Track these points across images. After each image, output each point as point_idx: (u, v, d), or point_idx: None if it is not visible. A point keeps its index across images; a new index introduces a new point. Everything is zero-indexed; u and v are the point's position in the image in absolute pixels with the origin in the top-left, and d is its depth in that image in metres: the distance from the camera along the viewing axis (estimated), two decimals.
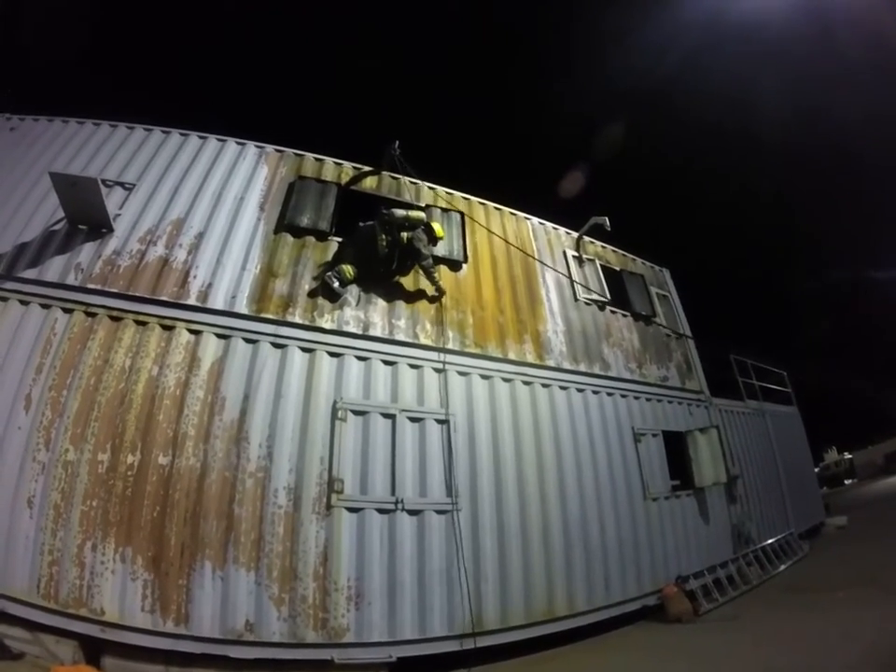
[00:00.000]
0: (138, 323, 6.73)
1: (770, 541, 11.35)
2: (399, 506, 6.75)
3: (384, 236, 8.00)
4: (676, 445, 10.64)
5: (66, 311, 6.63)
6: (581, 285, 10.98)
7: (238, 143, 8.94)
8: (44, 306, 6.61)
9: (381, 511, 6.66)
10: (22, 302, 6.58)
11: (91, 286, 6.86)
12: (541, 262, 10.51)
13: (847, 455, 43.09)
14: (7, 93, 9.24)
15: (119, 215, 7.58)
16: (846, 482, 39.10)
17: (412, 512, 6.82)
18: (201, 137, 8.83)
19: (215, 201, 8.11)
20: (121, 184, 7.95)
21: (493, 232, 10.07)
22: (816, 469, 25.54)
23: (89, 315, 6.65)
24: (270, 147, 9.09)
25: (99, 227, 7.33)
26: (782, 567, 10.75)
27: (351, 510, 6.51)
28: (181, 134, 8.80)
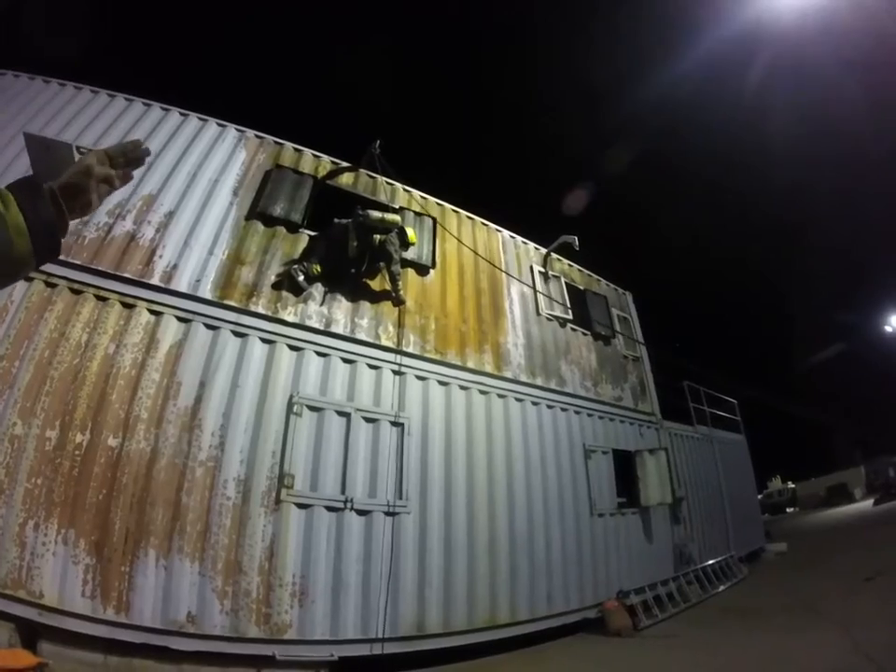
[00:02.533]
0: (98, 298, 6.57)
1: (711, 562, 11.67)
2: (349, 505, 6.76)
3: (355, 238, 7.99)
4: (625, 464, 10.86)
5: (25, 279, 6.34)
6: (546, 296, 11.11)
7: (219, 124, 8.79)
8: None
9: (330, 508, 6.67)
10: None
11: None
12: (508, 274, 10.61)
13: (791, 485, 44.23)
14: None
15: None
16: (788, 510, 40.20)
17: (360, 512, 6.85)
18: (182, 114, 8.65)
19: (189, 180, 7.96)
20: None
21: (463, 243, 10.11)
22: (759, 496, 26.14)
23: (49, 285, 6.41)
24: (250, 132, 8.98)
25: None
26: (721, 588, 11.07)
27: (300, 506, 6.50)
28: (162, 108, 8.60)
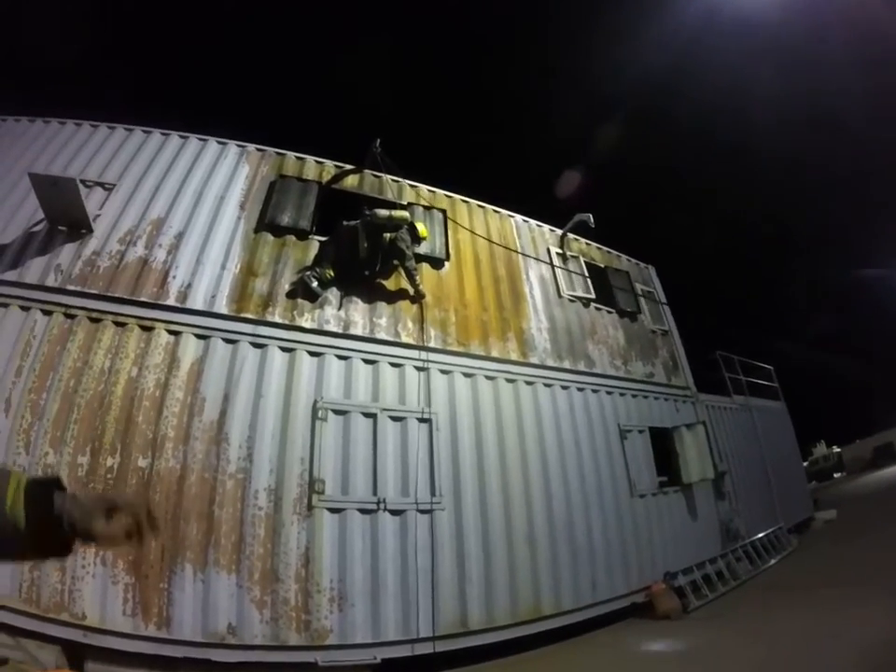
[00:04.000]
0: (117, 324, 6.67)
1: (759, 536, 11.38)
2: (381, 506, 6.72)
3: (365, 239, 7.97)
4: (662, 442, 10.67)
5: (46, 313, 6.54)
6: (567, 274, 11.04)
7: (219, 142, 8.89)
8: (23, 308, 6.52)
9: (363, 511, 6.63)
10: (2, 305, 6.49)
11: (70, 287, 6.79)
12: (524, 255, 10.55)
13: (836, 450, 43.25)
14: None
15: (99, 215, 7.52)
16: (834, 475, 39.26)
17: (394, 512, 6.80)
18: (182, 137, 8.78)
19: (195, 200, 8.07)
20: (101, 184, 7.89)
21: (475, 233, 10.07)
22: (804, 464, 25.63)
23: (68, 316, 6.57)
24: (251, 147, 9.05)
25: (79, 227, 7.26)
26: (772, 562, 10.79)
27: (332, 510, 6.48)
28: (162, 134, 8.75)
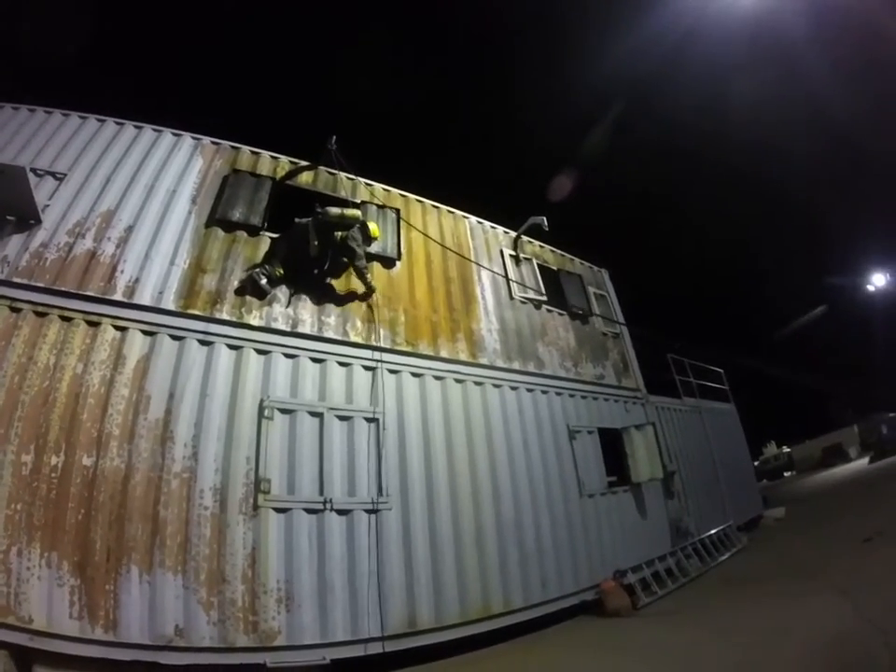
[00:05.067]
0: (63, 319, 6.55)
1: (708, 534, 11.71)
2: (328, 506, 6.75)
3: (316, 237, 7.96)
4: (612, 442, 10.89)
5: None
6: (518, 283, 11.14)
7: (174, 134, 8.76)
8: None
9: (309, 510, 6.66)
10: None
11: (16, 279, 6.61)
12: (477, 264, 10.64)
13: (786, 450, 44.42)
14: None
15: (49, 206, 7.35)
16: (784, 474, 40.37)
17: (340, 512, 6.84)
18: (136, 127, 8.63)
19: (146, 193, 7.96)
20: (52, 173, 7.71)
21: (428, 236, 10.11)
22: (755, 463, 26.23)
23: (13, 310, 6.39)
24: (206, 140, 8.95)
25: (27, 218, 7.10)
26: (721, 559, 11.11)
27: (278, 510, 6.50)
28: (116, 123, 8.58)
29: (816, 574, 7.83)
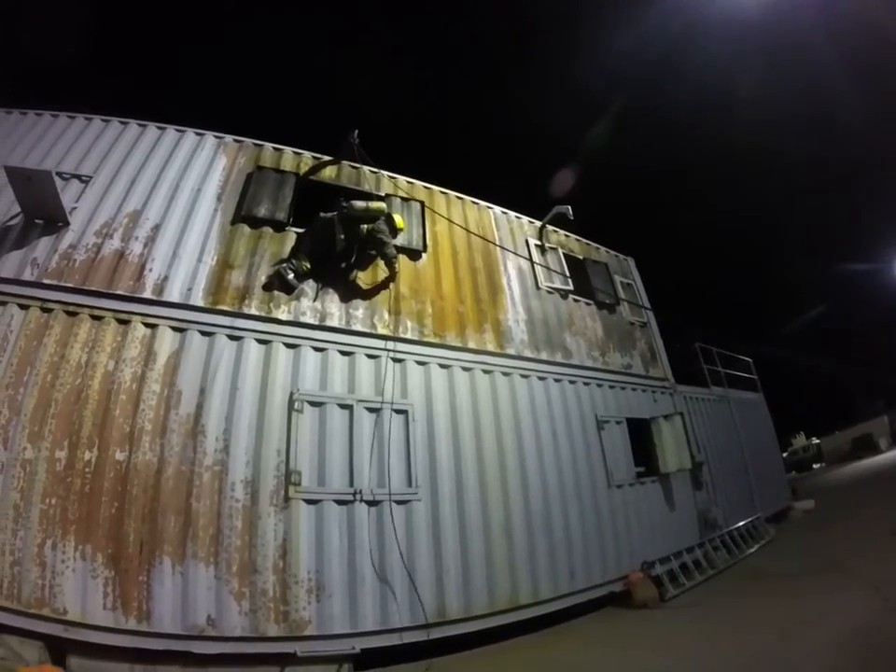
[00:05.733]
0: (94, 318, 6.65)
1: (737, 526, 11.56)
2: (358, 497, 6.76)
3: (342, 231, 7.98)
4: (640, 432, 10.78)
5: (22, 307, 6.50)
6: (544, 267, 11.10)
7: (197, 133, 8.84)
8: (0, 303, 6.52)
9: (339, 502, 6.68)
10: None
11: (46, 281, 6.74)
12: (502, 248, 10.60)
13: (815, 441, 43.62)
14: None
15: (76, 208, 7.47)
16: (814, 466, 39.62)
17: (370, 503, 6.85)
18: (159, 128, 8.72)
19: (172, 192, 8.04)
20: (78, 176, 7.83)
21: (453, 223, 10.09)
22: (783, 455, 25.84)
23: (44, 310, 6.54)
24: (229, 138, 9.01)
25: (55, 221, 7.21)
26: (749, 551, 10.94)
27: (309, 501, 6.52)
28: (139, 125, 8.68)
29: (845, 568, 7.71)
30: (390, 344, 8.02)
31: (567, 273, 11.54)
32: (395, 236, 8.59)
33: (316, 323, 7.69)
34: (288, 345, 7.33)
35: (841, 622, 5.57)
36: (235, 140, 9.05)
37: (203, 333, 6.99)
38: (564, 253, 11.97)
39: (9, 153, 7.88)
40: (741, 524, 11.76)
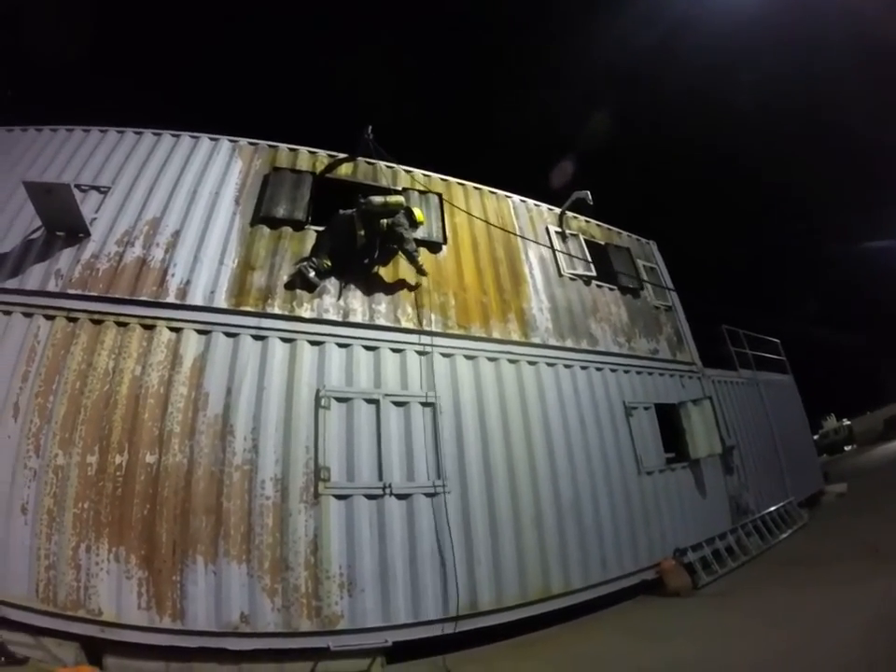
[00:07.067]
0: (119, 324, 6.75)
1: (769, 511, 11.42)
2: (387, 491, 6.76)
3: (362, 227, 7.97)
4: (669, 418, 10.65)
5: (48, 318, 6.65)
6: (566, 254, 11.02)
7: (211, 139, 8.92)
8: (26, 314, 6.62)
9: (369, 496, 6.68)
10: (5, 313, 6.59)
11: (71, 291, 6.87)
12: (523, 237, 10.53)
13: (847, 422, 42.88)
14: None
15: (96, 218, 7.58)
16: (845, 448, 38.94)
17: (400, 497, 6.84)
18: (174, 136, 8.83)
19: (190, 198, 8.12)
20: (96, 188, 7.95)
21: (472, 214, 10.04)
22: (814, 437, 25.44)
23: (70, 320, 6.67)
24: (243, 141, 9.07)
25: (76, 232, 7.33)
26: (782, 537, 10.82)
27: (339, 497, 6.54)
28: (154, 134, 8.80)
29: (878, 554, 7.59)
30: (414, 337, 8.00)
31: (589, 259, 11.43)
32: (415, 229, 8.58)
33: (340, 319, 7.70)
34: (313, 343, 7.34)
35: (877, 611, 5.46)
36: (250, 143, 9.10)
37: (228, 334, 7.04)
38: (585, 239, 11.85)
39: (27, 169, 8.03)
40: (773, 508, 11.60)
